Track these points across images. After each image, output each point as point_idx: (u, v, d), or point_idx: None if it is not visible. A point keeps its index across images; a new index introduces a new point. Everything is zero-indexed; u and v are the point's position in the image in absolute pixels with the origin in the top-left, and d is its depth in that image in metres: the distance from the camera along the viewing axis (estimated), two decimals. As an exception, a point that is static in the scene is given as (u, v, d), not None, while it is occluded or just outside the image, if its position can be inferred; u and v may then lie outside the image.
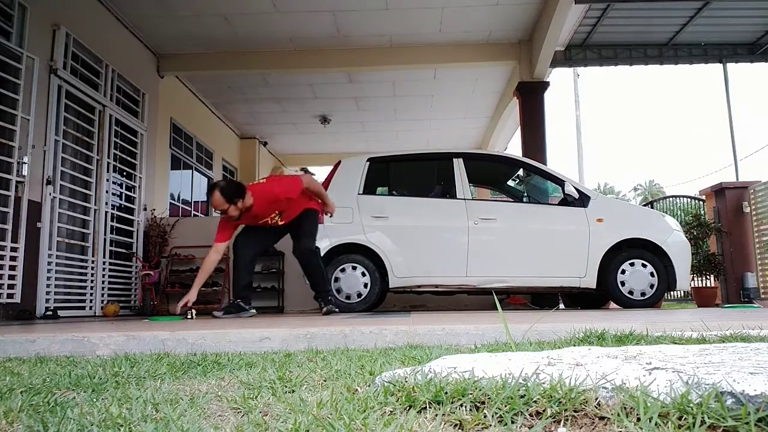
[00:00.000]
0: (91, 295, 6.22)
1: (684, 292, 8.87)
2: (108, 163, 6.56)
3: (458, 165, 5.42)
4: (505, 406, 0.81)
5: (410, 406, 0.89)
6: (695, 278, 8.07)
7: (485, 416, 0.80)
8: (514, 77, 8.59)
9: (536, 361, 1.02)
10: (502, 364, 0.99)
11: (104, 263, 6.44)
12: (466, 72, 8.92)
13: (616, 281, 5.08)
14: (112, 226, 6.75)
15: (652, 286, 5.09)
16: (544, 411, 0.80)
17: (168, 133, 8.65)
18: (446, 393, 0.88)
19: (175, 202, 9.31)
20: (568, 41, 8.17)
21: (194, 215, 9.84)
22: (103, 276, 6.42)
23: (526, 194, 6.25)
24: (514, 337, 2.08)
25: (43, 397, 1.17)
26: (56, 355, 2.22)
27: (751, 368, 0.83)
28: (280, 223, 4.56)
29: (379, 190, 5.75)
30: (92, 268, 6.25)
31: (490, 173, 6.38)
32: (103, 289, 6.40)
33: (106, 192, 6.56)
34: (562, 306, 6.33)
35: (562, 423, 0.79)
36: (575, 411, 0.80)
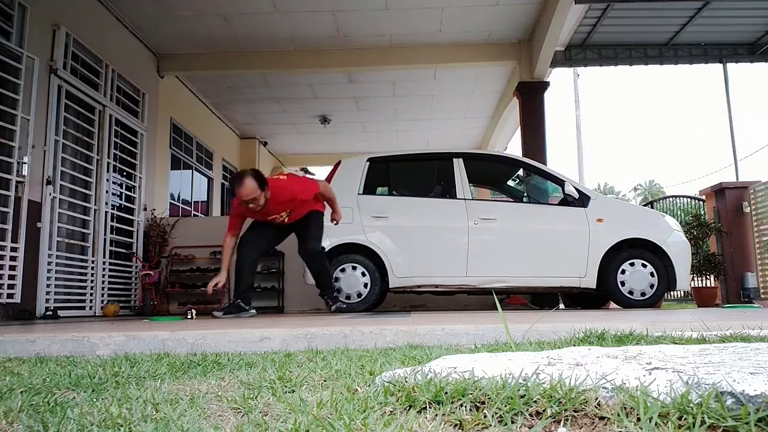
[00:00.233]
0: (91, 295, 6.22)
1: (684, 292, 8.87)
2: (108, 163, 6.56)
3: (458, 165, 5.42)
4: (505, 406, 0.81)
5: (410, 406, 0.89)
6: (695, 278, 8.07)
7: (485, 416, 0.80)
8: (514, 77, 8.59)
9: (536, 361, 1.02)
10: (502, 364, 0.99)
11: (104, 263, 6.44)
12: (466, 72, 8.92)
13: (616, 281, 5.08)
14: (112, 226, 6.75)
15: (652, 286, 5.09)
16: (544, 411, 0.80)
17: (168, 133, 8.65)
18: (446, 393, 0.88)
19: (175, 202, 9.31)
20: (568, 41, 8.17)
21: (194, 215, 9.84)
22: (103, 276, 6.42)
23: (526, 194, 6.25)
24: (514, 337, 2.08)
25: (43, 397, 1.17)
26: (56, 355, 2.22)
27: (751, 368, 0.83)
28: (286, 221, 4.56)
29: (379, 190, 5.76)
30: (92, 268, 6.25)
31: (490, 173, 6.38)
32: (103, 289, 6.40)
33: (106, 192, 6.56)
34: (562, 306, 6.33)
35: (562, 423, 0.79)
36: (575, 411, 0.80)
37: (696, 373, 0.82)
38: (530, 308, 6.51)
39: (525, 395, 0.83)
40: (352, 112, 10.70)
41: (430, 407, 0.87)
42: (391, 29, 7.58)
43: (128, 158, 7.11)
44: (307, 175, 16.14)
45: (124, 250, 6.96)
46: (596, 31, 7.85)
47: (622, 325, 2.14)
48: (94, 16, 6.53)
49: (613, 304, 5.54)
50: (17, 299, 4.97)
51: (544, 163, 6.99)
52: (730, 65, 8.58)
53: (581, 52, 8.37)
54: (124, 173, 7.16)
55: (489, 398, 0.85)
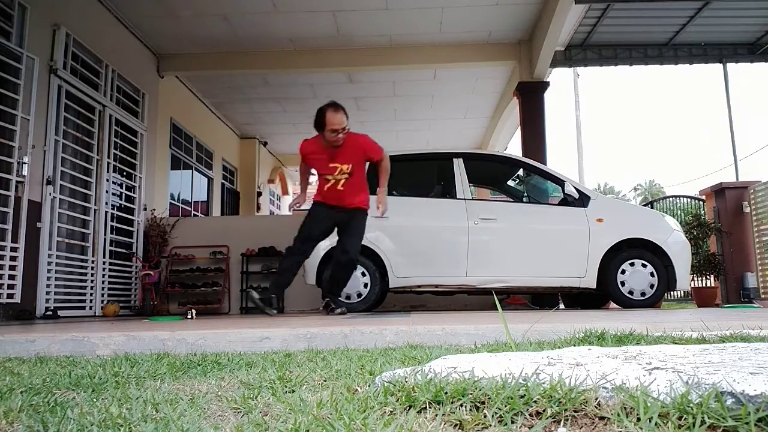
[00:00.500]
0: (91, 295, 6.22)
1: (684, 292, 8.87)
2: (108, 163, 6.56)
3: (458, 165, 5.42)
4: (505, 406, 0.81)
5: (410, 406, 0.89)
6: (695, 278, 8.07)
7: (485, 416, 0.80)
8: (514, 77, 8.59)
9: (536, 361, 1.02)
10: (502, 364, 0.99)
11: (104, 263, 6.45)
12: (466, 72, 8.93)
13: (616, 281, 5.08)
14: (112, 226, 6.75)
15: (652, 286, 5.09)
16: (544, 411, 0.80)
17: (168, 133, 8.66)
18: (446, 393, 0.88)
19: (175, 202, 9.31)
20: (568, 41, 8.17)
21: (194, 215, 9.84)
22: (103, 276, 6.42)
23: (526, 194, 6.25)
24: (514, 337, 2.08)
25: (43, 397, 1.17)
26: (56, 355, 2.22)
27: (751, 368, 0.83)
28: (340, 185, 4.43)
29: (379, 190, 5.74)
30: (92, 268, 6.25)
31: (490, 173, 6.38)
32: (103, 289, 6.40)
33: (106, 192, 6.56)
34: (562, 306, 6.33)
35: (562, 423, 0.79)
36: (575, 411, 0.80)
37: (696, 373, 0.82)
38: (530, 308, 6.51)
39: (525, 395, 0.83)
40: (352, 112, 10.59)
41: (430, 407, 0.87)
42: (391, 29, 7.57)
43: (128, 158, 7.12)
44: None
45: (124, 250, 6.96)
46: (596, 31, 7.85)
47: (622, 325, 2.14)
48: (94, 16, 6.53)
49: (613, 304, 5.54)
50: (17, 299, 4.97)
51: (544, 163, 6.99)
52: (730, 65, 8.59)
53: (581, 52, 8.37)
54: (124, 173, 7.16)
55: (489, 398, 0.85)
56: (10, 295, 4.90)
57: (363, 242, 5.23)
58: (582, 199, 5.23)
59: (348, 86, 9.48)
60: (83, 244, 6.21)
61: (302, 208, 4.90)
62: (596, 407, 0.79)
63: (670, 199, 10.12)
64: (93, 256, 6.28)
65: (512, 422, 0.79)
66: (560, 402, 0.80)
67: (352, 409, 0.87)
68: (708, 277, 8.08)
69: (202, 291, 7.38)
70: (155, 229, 7.33)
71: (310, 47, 7.98)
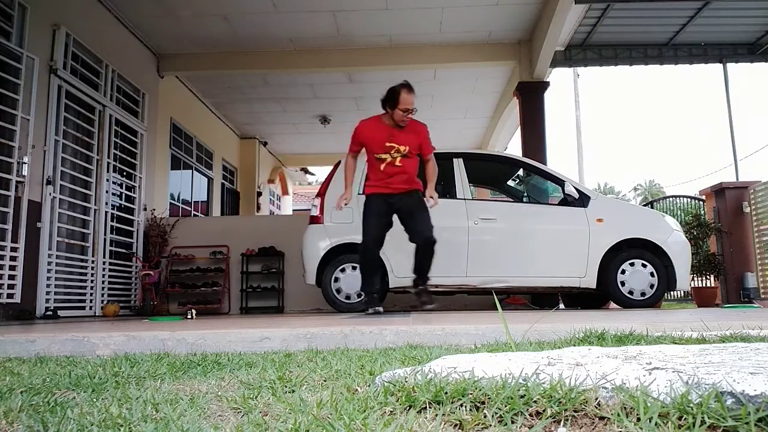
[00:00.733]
0: (91, 295, 6.22)
1: (684, 292, 8.87)
2: (108, 163, 6.56)
3: (458, 165, 5.42)
4: (505, 406, 0.81)
5: (410, 406, 0.89)
6: (695, 278, 8.07)
7: (485, 416, 0.80)
8: (514, 77, 8.59)
9: (536, 361, 1.02)
10: (502, 364, 0.99)
11: (104, 263, 6.45)
12: (466, 72, 8.92)
13: (616, 281, 5.08)
14: (112, 226, 6.75)
15: (652, 286, 5.09)
16: (544, 411, 0.80)
17: (168, 133, 8.66)
18: (446, 393, 0.88)
19: (175, 202, 9.31)
20: (568, 41, 8.17)
21: (194, 215, 9.84)
22: (103, 276, 6.42)
23: (526, 194, 6.24)
24: (514, 337, 2.08)
25: (43, 397, 1.17)
26: (56, 355, 2.22)
27: (751, 368, 0.83)
28: (397, 162, 4.41)
29: (379, 190, 5.73)
30: (92, 268, 6.25)
31: (490, 173, 6.38)
32: (103, 289, 6.40)
33: (106, 192, 6.56)
34: (562, 306, 6.33)
35: (562, 423, 0.79)
36: (575, 411, 0.80)
37: (696, 373, 0.82)
38: (530, 308, 6.51)
39: (525, 395, 0.83)
40: (352, 112, 10.69)
41: (430, 407, 0.87)
42: (391, 29, 7.58)
43: (128, 158, 7.11)
44: (308, 175, 15.93)
45: (124, 250, 6.96)
46: (596, 31, 7.85)
47: (622, 325, 2.14)
48: (94, 16, 6.53)
49: (613, 304, 5.54)
50: (17, 299, 4.97)
51: (544, 163, 6.99)
52: (730, 65, 8.58)
53: (581, 52, 8.37)
54: (124, 173, 7.16)
55: (489, 398, 0.85)
56: (10, 295, 4.90)
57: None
58: (582, 199, 5.23)
59: (348, 86, 9.48)
60: (83, 244, 6.21)
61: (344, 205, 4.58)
62: (596, 407, 0.79)
63: (670, 199, 10.12)
64: (93, 256, 6.28)
65: (512, 422, 0.79)
66: (560, 402, 0.80)
67: (352, 409, 0.87)
68: (708, 277, 8.08)
69: (202, 291, 7.38)
70: (155, 229, 7.33)
71: (310, 47, 7.98)
